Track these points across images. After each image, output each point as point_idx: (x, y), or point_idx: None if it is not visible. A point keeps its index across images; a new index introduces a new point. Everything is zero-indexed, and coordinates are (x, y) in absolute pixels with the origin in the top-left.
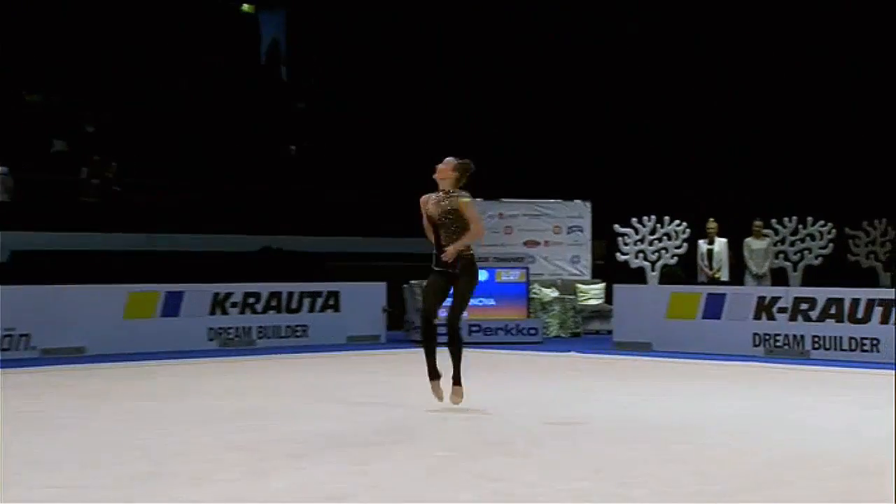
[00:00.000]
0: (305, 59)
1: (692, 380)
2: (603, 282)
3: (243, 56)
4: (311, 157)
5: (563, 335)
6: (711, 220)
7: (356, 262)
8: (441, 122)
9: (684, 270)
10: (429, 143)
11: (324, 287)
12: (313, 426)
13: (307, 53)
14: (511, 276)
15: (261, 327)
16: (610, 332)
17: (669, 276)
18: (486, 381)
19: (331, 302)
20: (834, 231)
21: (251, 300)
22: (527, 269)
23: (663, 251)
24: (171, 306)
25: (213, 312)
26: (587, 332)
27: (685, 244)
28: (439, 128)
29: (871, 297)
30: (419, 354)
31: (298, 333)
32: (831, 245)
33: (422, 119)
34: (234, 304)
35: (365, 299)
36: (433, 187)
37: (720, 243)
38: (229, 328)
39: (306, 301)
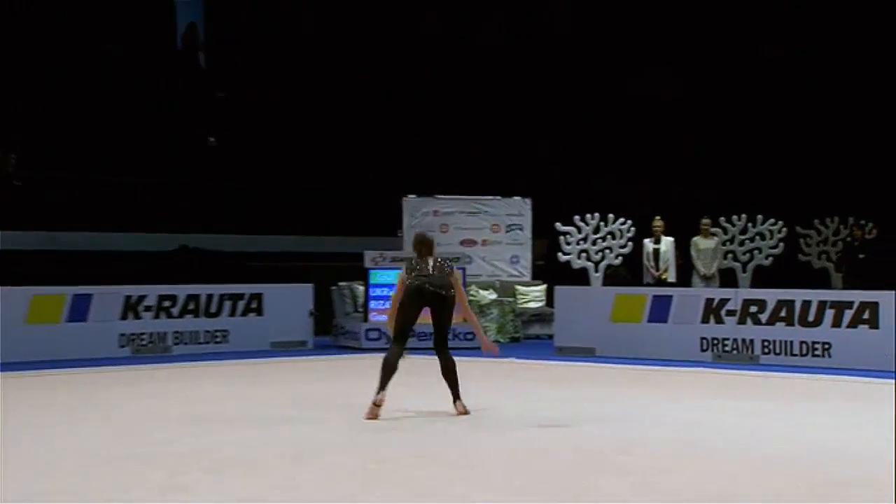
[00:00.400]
0: (225, 44)
1: (636, 387)
2: (544, 283)
3: (158, 42)
4: (232, 148)
5: (502, 340)
6: (658, 218)
7: (281, 262)
8: (373, 113)
9: (629, 271)
10: (360, 135)
11: (246, 289)
12: (234, 437)
13: (227, 38)
14: None
15: (177, 333)
16: (551, 336)
17: (614, 277)
18: (418, 389)
19: (253, 305)
20: (784, 230)
21: (166, 303)
22: (463, 269)
23: (607, 251)
24: (79, 310)
25: (124, 317)
26: (527, 337)
27: (630, 243)
28: (370, 119)
29: (823, 298)
30: (349, 360)
31: (218, 339)
32: (782, 245)
33: (351, 109)
34: (147, 308)
35: (290, 302)
36: (363, 182)
37: (667, 242)
38: (142, 334)
39: (227, 304)
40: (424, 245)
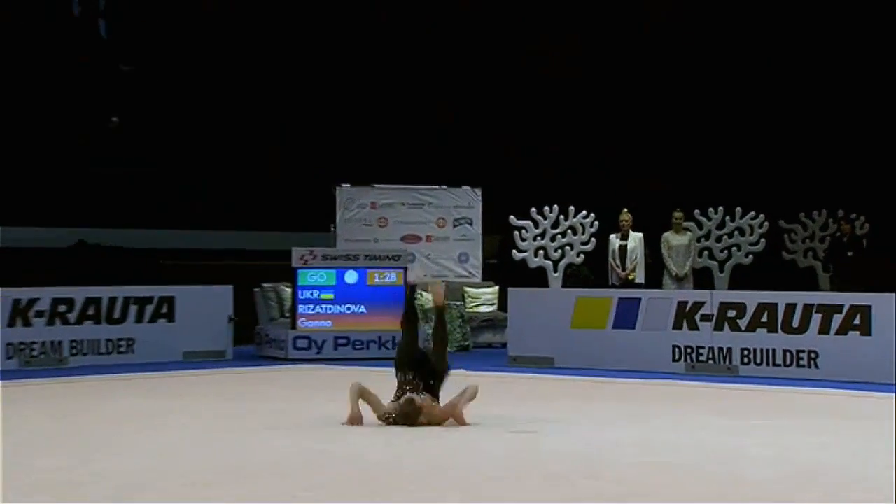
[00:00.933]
0: (130, 11)
1: (599, 402)
2: (496, 285)
3: (52, 7)
4: (139, 129)
5: (449, 349)
6: (625, 210)
7: (196, 261)
8: (297, 90)
9: (592, 271)
10: (287, 116)
11: (155, 291)
12: (142, 462)
13: (132, 4)
14: (386, 278)
15: (74, 342)
16: (504, 345)
17: (575, 277)
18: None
19: (164, 310)
20: (766, 224)
21: (62, 308)
22: (404, 269)
23: (568, 248)
24: None
25: (11, 324)
26: (477, 346)
27: (593, 240)
28: (301, 99)
29: (809, 301)
30: (273, 373)
31: (122, 349)
32: (763, 241)
33: (273, 87)
34: (39, 314)
35: (206, 306)
36: (290, 171)
37: (635, 238)
38: (33, 343)
39: (132, 309)
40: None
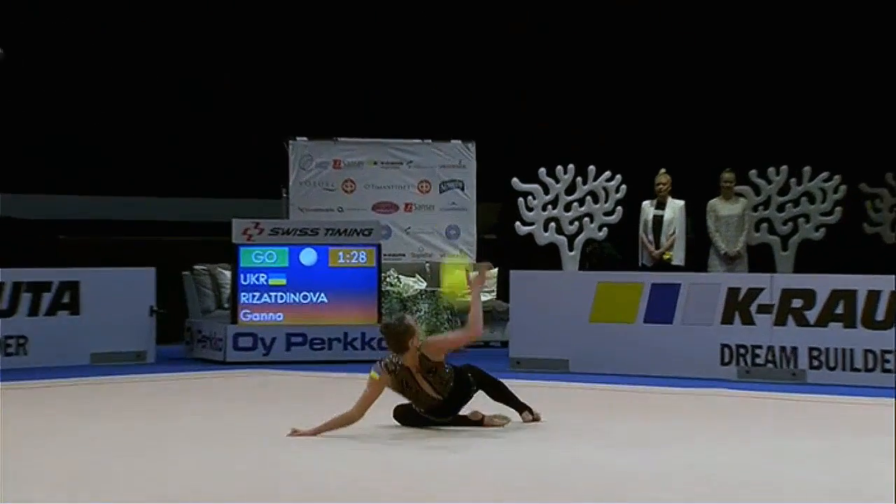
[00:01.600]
0: None
1: (626, 418)
2: (494, 266)
3: None
4: (29, 64)
5: None
6: (662, 172)
7: (107, 236)
8: (241, 17)
9: (618, 249)
10: (219, 50)
11: (54, 275)
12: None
13: None
14: (353, 258)
15: None
16: (505, 343)
17: (596, 257)
18: (311, 420)
19: (65, 299)
20: (843, 189)
21: None
22: (377, 247)
23: (587, 219)
24: None
25: None
26: (471, 345)
27: (620, 209)
28: (236, 27)
29: None
30: (206, 380)
31: (12, 349)
32: (839, 210)
33: (210, 13)
34: None
35: (121, 295)
36: (231, 121)
37: (673, 207)
38: None
39: (25, 298)
40: (394, 339)
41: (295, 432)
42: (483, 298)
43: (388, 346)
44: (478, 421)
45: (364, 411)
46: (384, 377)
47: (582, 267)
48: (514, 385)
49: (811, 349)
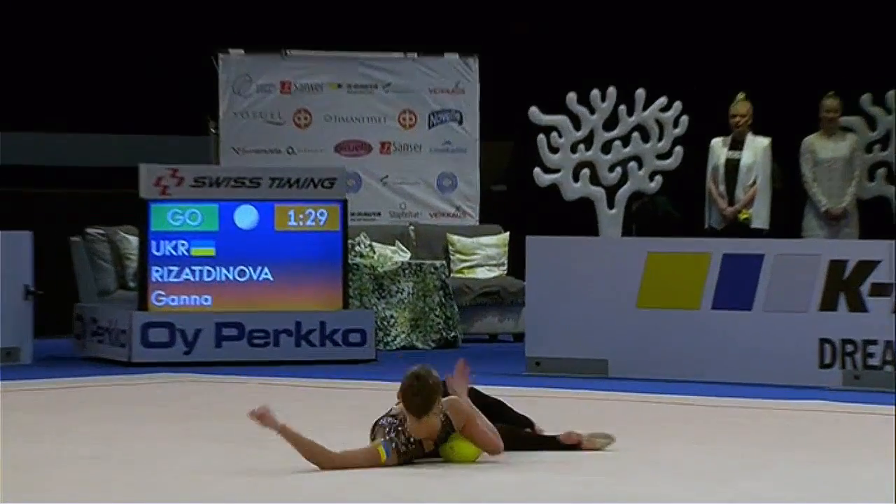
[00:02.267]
0: None
1: (689, 442)
2: (504, 230)
3: None
4: None
5: (421, 345)
6: (740, 98)
7: None
8: None
9: (677, 205)
10: None
11: None
12: None
13: None
14: (308, 219)
15: None
16: (519, 337)
17: (646, 216)
18: (264, 462)
19: None
20: None
21: None
22: (342, 203)
23: (633, 164)
24: None
25: None
26: (472, 338)
27: (679, 149)
28: None
29: None
30: (110, 390)
31: None
32: None
33: None
34: None
35: None
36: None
37: (755, 148)
38: None
39: None
40: (424, 397)
41: (257, 413)
42: (487, 274)
43: (408, 407)
44: (573, 444)
45: (338, 468)
46: (392, 459)
47: (627, 231)
48: (531, 397)
49: None
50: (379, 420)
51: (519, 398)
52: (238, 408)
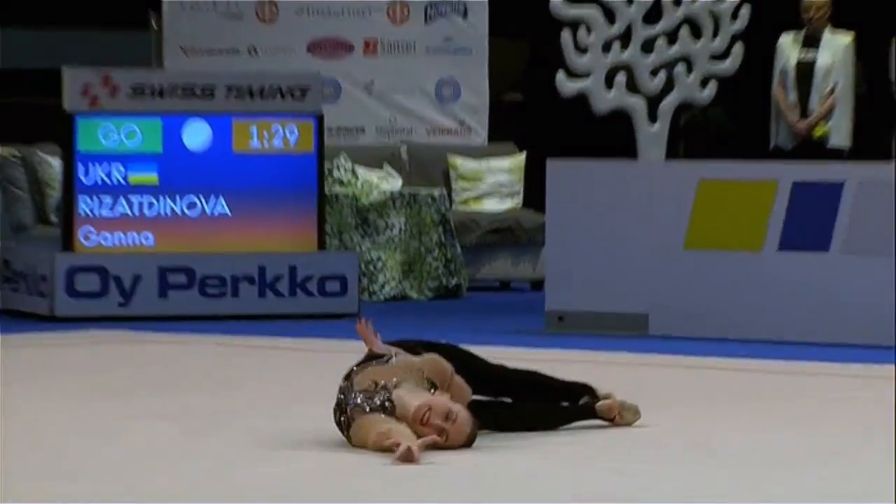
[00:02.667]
0: None
1: (753, 417)
2: (519, 151)
3: None
4: None
5: (416, 295)
6: None
7: None
8: None
9: (736, 120)
10: None
11: None
12: None
13: None
14: (275, 137)
15: None
16: (537, 285)
17: (697, 130)
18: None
19: None
20: None
21: None
22: (317, 118)
23: (681, 67)
24: None
25: None
26: (479, 286)
27: (739, 46)
28: None
29: None
30: (27, 351)
31: None
32: None
33: None
34: None
35: None
36: None
37: (834, 47)
38: None
39: None
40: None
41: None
42: (496, 206)
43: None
44: (610, 418)
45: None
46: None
47: (672, 152)
48: (550, 361)
49: None
50: (348, 399)
51: (534, 363)
52: (189, 375)
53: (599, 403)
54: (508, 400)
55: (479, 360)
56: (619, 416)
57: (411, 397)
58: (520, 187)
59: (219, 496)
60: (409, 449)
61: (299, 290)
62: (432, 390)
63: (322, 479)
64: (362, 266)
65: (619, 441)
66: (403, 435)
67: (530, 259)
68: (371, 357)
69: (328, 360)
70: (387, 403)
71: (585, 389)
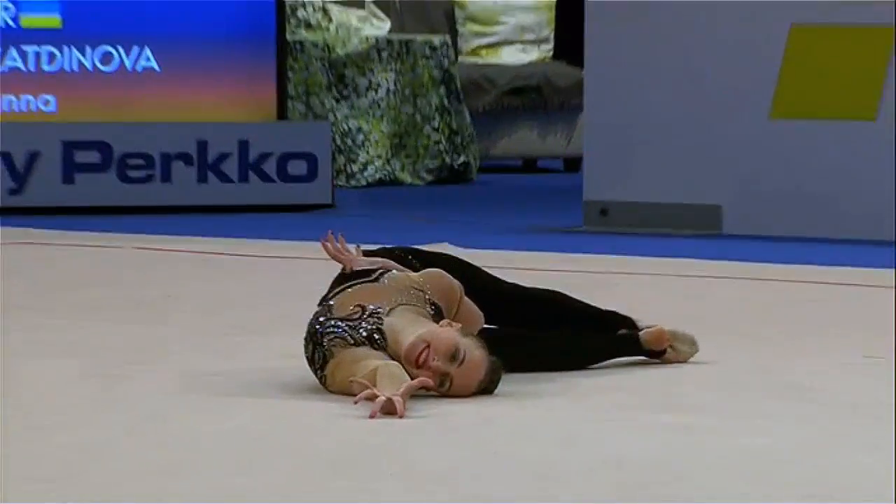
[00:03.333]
0: None
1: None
2: None
3: None
4: None
5: (410, 179)
6: None
7: None
8: None
9: None
10: None
11: None
12: None
13: None
14: None
15: None
16: (573, 165)
17: None
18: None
19: None
20: None
21: None
22: None
23: None
24: None
25: None
26: (494, 166)
27: None
28: None
29: None
30: None
31: None
32: None
33: None
34: None
35: None
36: None
37: None
38: None
39: None
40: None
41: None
42: (515, 58)
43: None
44: (660, 352)
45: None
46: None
47: None
48: (586, 272)
49: None
50: (325, 328)
51: (563, 278)
52: (102, 292)
53: (644, 332)
54: (525, 330)
55: (487, 276)
56: (672, 349)
57: (408, 327)
58: (549, 32)
59: (129, 462)
60: (388, 401)
61: (252, 174)
62: (435, 316)
63: (259, 437)
64: (337, 140)
65: (674, 383)
66: (389, 377)
67: (563, 129)
68: (354, 274)
69: (291, 271)
70: (375, 335)
71: (624, 321)
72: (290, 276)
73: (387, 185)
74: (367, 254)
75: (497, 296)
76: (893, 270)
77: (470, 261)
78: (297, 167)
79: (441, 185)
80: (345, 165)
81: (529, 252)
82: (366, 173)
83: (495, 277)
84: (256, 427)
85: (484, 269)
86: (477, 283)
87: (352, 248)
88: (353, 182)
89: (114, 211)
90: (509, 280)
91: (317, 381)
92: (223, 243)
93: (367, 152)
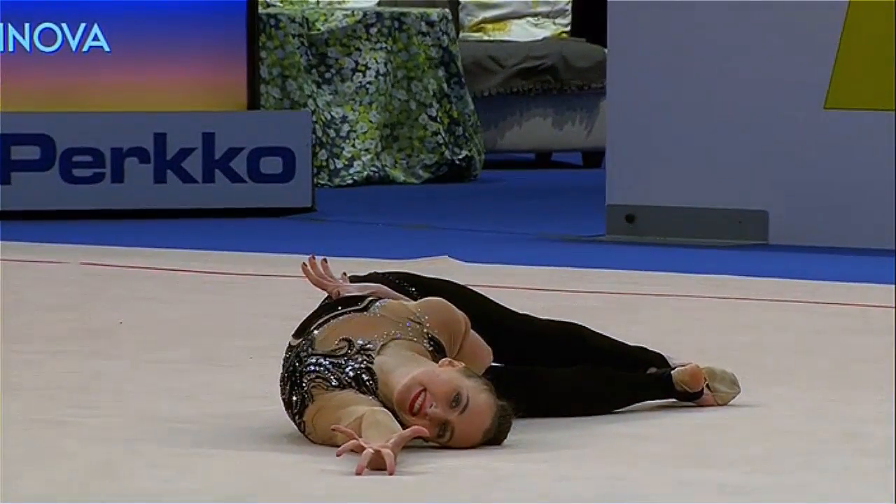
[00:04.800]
0: None
1: None
2: None
3: None
4: None
5: (404, 177)
6: None
7: None
8: None
9: None
10: None
11: None
12: None
13: None
14: None
15: None
16: (594, 161)
17: None
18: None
19: None
20: None
21: None
22: None
23: None
24: None
25: None
26: (501, 161)
27: None
28: None
29: None
30: None
31: None
32: None
33: None
34: None
35: None
36: None
37: None
38: None
39: None
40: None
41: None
42: (537, 34)
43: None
44: (695, 393)
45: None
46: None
47: None
48: (607, 294)
49: None
50: (304, 367)
51: (582, 296)
52: (43, 318)
53: (677, 371)
54: (538, 369)
55: (495, 306)
56: (709, 390)
57: (402, 366)
58: (566, 3)
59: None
60: (376, 454)
61: (219, 172)
62: (434, 352)
63: (226, 497)
64: (319, 131)
65: (712, 431)
66: (375, 426)
67: (582, 118)
68: (341, 301)
69: (266, 291)
70: (364, 375)
71: (655, 359)
72: (265, 298)
73: (376, 185)
74: (354, 280)
75: (506, 331)
76: None
77: (472, 271)
78: (272, 164)
79: (439, 184)
80: (327, 161)
81: (540, 267)
82: (352, 170)
83: (505, 308)
84: (223, 485)
85: (491, 298)
86: (484, 315)
87: (337, 274)
88: (336, 181)
89: (56, 216)
90: (518, 306)
91: (296, 428)
92: (184, 256)
93: (354, 146)
